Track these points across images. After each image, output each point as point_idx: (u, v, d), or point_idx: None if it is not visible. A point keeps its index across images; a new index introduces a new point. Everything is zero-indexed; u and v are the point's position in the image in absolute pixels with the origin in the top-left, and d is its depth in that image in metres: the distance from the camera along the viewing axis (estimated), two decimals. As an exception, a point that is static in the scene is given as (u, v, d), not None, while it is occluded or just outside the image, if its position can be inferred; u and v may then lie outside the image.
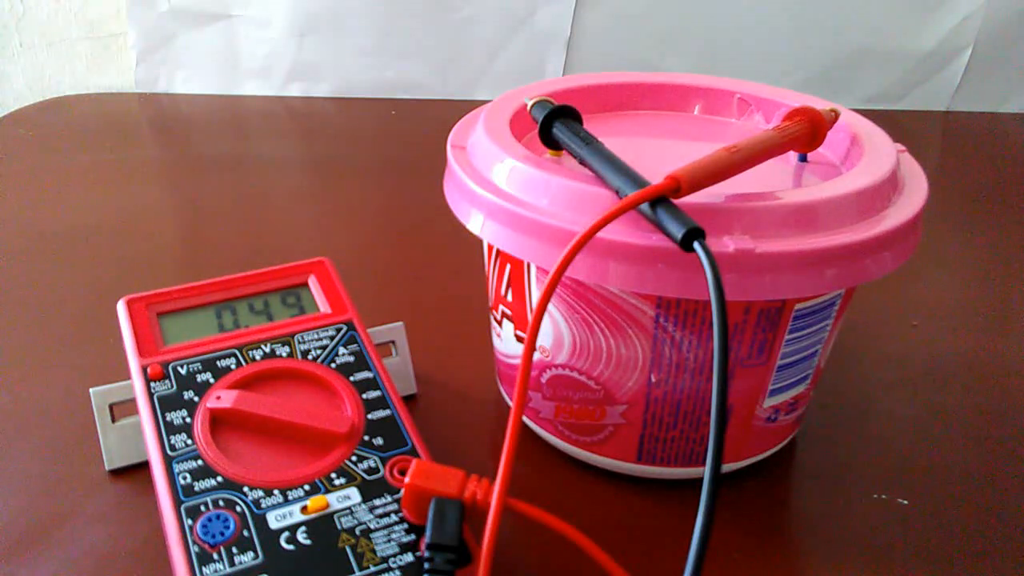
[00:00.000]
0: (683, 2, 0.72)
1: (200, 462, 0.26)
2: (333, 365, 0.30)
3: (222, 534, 0.24)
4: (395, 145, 0.66)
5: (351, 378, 0.29)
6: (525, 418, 0.33)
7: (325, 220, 0.53)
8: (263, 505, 0.25)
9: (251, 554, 0.24)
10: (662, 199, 0.24)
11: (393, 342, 0.35)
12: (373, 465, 0.27)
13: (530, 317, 0.30)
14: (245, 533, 0.25)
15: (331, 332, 0.31)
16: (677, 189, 0.24)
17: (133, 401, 0.29)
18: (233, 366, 0.29)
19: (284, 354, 0.30)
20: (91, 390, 0.31)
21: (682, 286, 0.25)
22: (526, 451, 0.33)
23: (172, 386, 0.28)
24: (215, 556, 0.24)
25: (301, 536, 0.25)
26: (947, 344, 0.42)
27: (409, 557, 0.25)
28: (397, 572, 0.24)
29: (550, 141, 0.30)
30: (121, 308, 0.30)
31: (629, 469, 0.31)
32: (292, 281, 0.32)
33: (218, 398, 0.28)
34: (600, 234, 0.25)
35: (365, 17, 0.72)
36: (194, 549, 0.24)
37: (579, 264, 0.26)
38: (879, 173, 0.28)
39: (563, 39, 0.74)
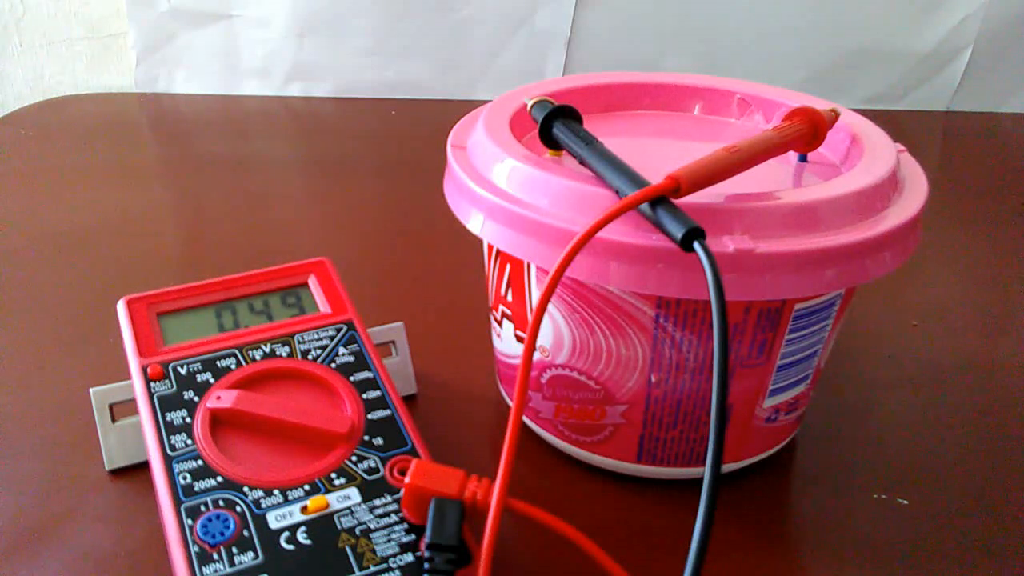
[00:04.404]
0: (683, 2, 0.72)
1: (200, 462, 0.26)
2: (333, 365, 0.30)
3: (222, 534, 0.24)
4: (395, 145, 0.66)
5: (351, 378, 0.29)
6: (525, 418, 0.33)
7: (325, 220, 0.53)
8: (263, 505, 0.25)
9: (251, 554, 0.24)
10: (662, 199, 0.24)
11: (393, 342, 0.35)
12: (373, 465, 0.27)
13: (530, 317, 0.30)
14: (245, 533, 0.25)
15: (331, 332, 0.31)
16: (677, 189, 0.24)
17: (133, 401, 0.29)
18: (233, 366, 0.29)
19: (284, 354, 0.30)
20: (91, 390, 0.31)
21: (682, 286, 0.25)
22: (526, 451, 0.33)
23: (172, 386, 0.28)
24: (215, 556, 0.24)
25: (301, 536, 0.25)
26: (947, 344, 0.42)
27: (409, 557, 0.25)
28: (397, 572, 0.24)
29: (550, 141, 0.30)
30: (121, 308, 0.30)
31: (629, 469, 0.31)
32: (292, 281, 0.32)
33: (218, 398, 0.28)
34: (600, 234, 0.25)
35: (365, 17, 0.72)
36: (194, 549, 0.24)
37: (579, 264, 0.26)
38: (879, 173, 0.28)
39: (563, 39, 0.74)
